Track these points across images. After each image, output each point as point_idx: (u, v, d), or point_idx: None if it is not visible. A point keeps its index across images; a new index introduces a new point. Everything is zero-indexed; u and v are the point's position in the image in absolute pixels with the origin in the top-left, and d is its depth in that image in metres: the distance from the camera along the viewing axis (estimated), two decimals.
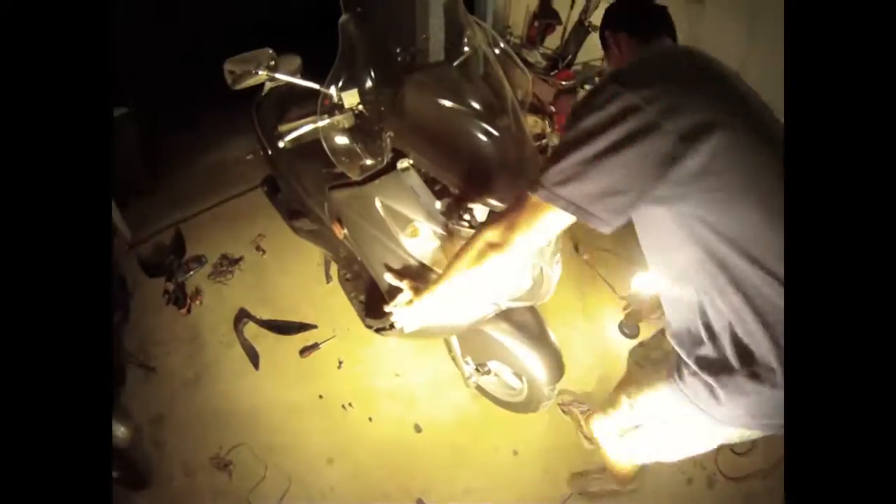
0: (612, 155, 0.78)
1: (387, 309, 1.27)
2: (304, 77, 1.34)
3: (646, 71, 0.87)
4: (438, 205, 1.23)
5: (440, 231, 1.23)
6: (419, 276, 1.30)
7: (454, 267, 1.03)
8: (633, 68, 0.89)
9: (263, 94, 2.16)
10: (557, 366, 1.59)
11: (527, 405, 1.77)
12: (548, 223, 0.87)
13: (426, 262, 1.27)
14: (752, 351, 0.87)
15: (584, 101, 0.85)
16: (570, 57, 3.24)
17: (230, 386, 2.01)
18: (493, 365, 1.80)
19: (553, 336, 1.65)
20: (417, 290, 1.19)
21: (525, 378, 1.71)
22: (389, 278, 1.30)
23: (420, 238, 1.25)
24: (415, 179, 1.24)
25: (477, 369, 1.84)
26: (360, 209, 1.33)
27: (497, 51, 1.44)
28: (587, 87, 3.23)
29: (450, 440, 1.91)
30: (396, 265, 1.31)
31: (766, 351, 0.85)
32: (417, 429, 1.93)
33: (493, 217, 0.97)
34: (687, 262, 0.88)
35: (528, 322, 1.61)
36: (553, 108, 3.19)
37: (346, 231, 1.47)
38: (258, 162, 2.50)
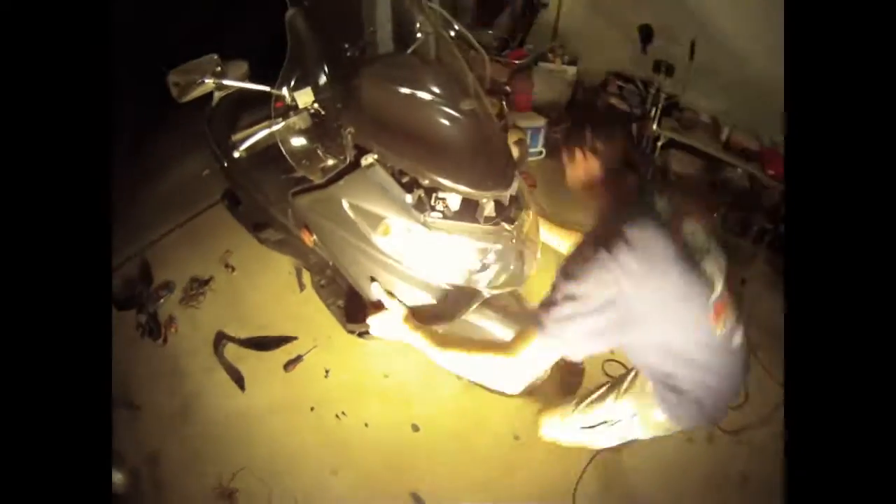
0: (601, 313, 1.00)
1: (369, 321, 1.21)
2: (256, 82, 1.25)
3: (630, 249, 1.00)
4: (409, 198, 1.15)
5: (414, 225, 1.16)
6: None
7: (449, 350, 1.13)
8: (619, 243, 1.00)
9: (213, 104, 2.03)
10: None
11: None
12: (540, 356, 1.05)
13: (403, 259, 1.19)
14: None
15: (580, 262, 1.02)
16: (521, 35, 3.20)
17: (220, 412, 1.89)
18: None
19: None
20: (408, 318, 1.20)
21: None
22: (378, 292, 1.23)
23: (393, 235, 1.17)
24: (381, 175, 1.16)
25: None
26: (327, 213, 1.24)
27: (452, 33, 1.37)
28: (541, 64, 3.19)
29: (449, 434, 1.85)
30: (372, 267, 1.23)
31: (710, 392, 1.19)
32: (415, 428, 1.87)
33: (495, 344, 1.14)
34: (652, 362, 1.18)
35: (512, 305, 1.56)
36: (508, 88, 3.14)
37: (315, 237, 1.38)
38: (215, 176, 2.37)
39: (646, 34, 2.60)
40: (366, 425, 1.86)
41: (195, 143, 2.16)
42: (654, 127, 2.67)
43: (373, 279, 1.24)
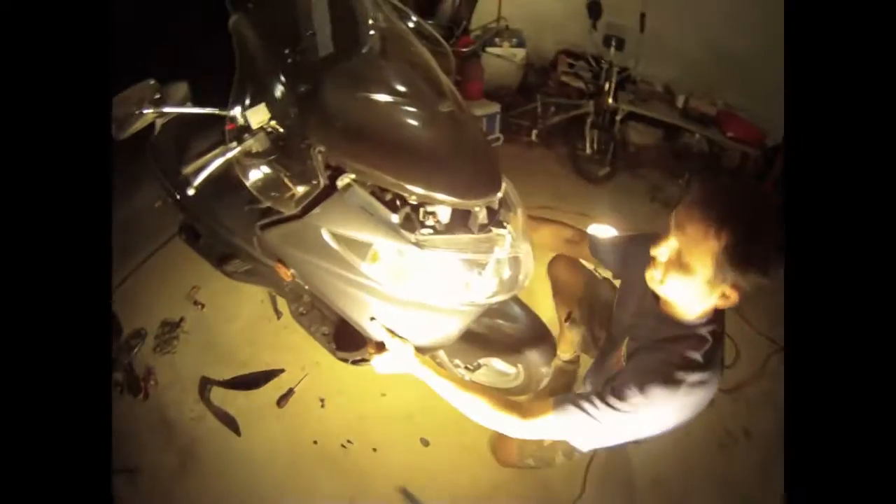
0: (625, 437, 1.00)
1: (373, 363, 1.11)
2: (200, 104, 1.08)
3: (690, 408, 0.95)
4: (395, 217, 1.01)
5: (405, 246, 1.02)
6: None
7: (461, 390, 1.08)
8: (669, 397, 0.93)
9: (156, 132, 1.82)
10: (549, 345, 1.48)
11: (526, 387, 1.64)
12: (548, 432, 1.02)
13: (397, 285, 1.06)
14: None
15: (629, 400, 0.93)
16: (464, 23, 3.07)
17: (220, 462, 1.71)
18: (483, 359, 1.65)
19: (538, 316, 1.52)
20: (417, 355, 1.13)
21: (520, 364, 1.58)
22: (380, 333, 1.12)
23: (384, 260, 1.04)
24: (362, 196, 1.01)
25: (466, 367, 1.69)
26: (305, 246, 1.08)
27: (411, 25, 1.22)
28: (488, 49, 3.07)
29: (460, 443, 1.75)
30: (364, 298, 1.09)
31: None
32: (424, 442, 1.76)
33: (510, 402, 1.07)
34: None
35: (512, 311, 1.47)
36: (458, 77, 3.01)
37: (293, 271, 1.23)
38: (169, 207, 2.15)
39: (595, 10, 2.52)
40: (374, 450, 1.73)
41: (141, 173, 1.94)
42: (611, 101, 2.61)
43: (372, 318, 1.11)
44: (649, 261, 0.95)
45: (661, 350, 0.96)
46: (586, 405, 0.95)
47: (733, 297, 0.87)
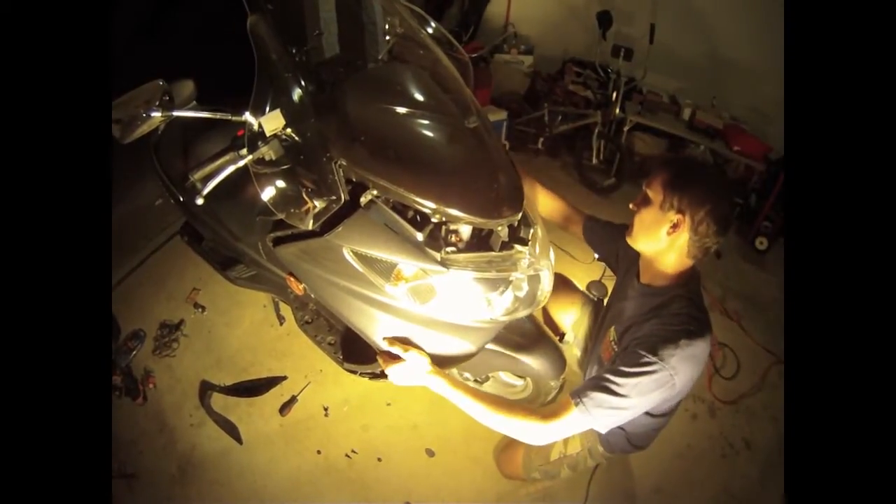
0: (639, 410, 1.03)
1: (388, 372, 1.03)
2: (207, 105, 1.00)
3: (693, 367, 1.02)
4: (420, 236, 0.94)
5: (431, 265, 0.95)
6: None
7: (479, 403, 1.05)
8: (672, 349, 0.99)
9: (159, 131, 1.72)
10: (559, 360, 1.42)
11: (533, 399, 1.59)
12: (572, 428, 1.04)
13: (421, 304, 0.99)
14: None
15: (638, 361, 0.99)
16: (472, 28, 2.98)
17: (220, 470, 1.64)
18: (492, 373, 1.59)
19: (547, 330, 1.47)
20: (433, 368, 1.08)
21: (529, 378, 1.52)
22: (397, 349, 1.05)
23: (408, 280, 0.96)
24: (386, 213, 0.94)
25: (476, 380, 1.62)
26: (324, 264, 1.00)
27: (430, 30, 1.15)
28: (496, 55, 2.99)
29: (466, 454, 1.69)
30: (385, 317, 1.02)
31: None
32: (430, 453, 1.70)
33: (529, 408, 1.07)
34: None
35: (522, 324, 1.40)
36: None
37: (304, 285, 1.15)
38: (170, 206, 2.06)
39: (605, 20, 2.45)
40: (379, 460, 1.66)
41: (142, 169, 1.84)
42: (618, 112, 2.54)
43: (385, 339, 1.04)
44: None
45: (652, 318, 1.07)
46: (604, 382, 1.00)
47: (681, 222, 1.04)
